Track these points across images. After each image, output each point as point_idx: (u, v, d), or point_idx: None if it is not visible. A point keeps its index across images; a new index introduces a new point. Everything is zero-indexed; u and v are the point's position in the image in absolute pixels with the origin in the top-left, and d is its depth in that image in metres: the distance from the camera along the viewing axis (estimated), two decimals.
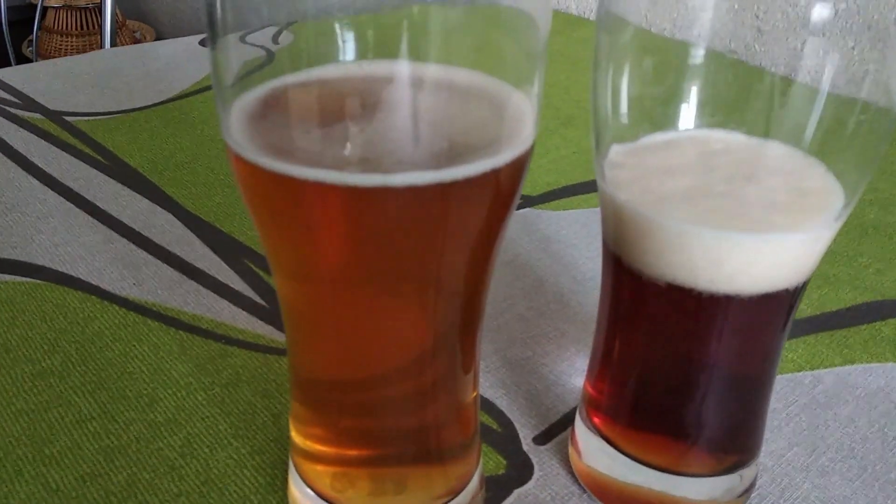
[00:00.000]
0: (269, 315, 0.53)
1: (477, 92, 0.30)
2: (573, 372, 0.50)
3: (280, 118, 0.29)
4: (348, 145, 0.28)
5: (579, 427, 0.42)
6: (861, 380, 0.50)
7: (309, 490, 0.38)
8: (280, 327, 0.52)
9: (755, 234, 0.32)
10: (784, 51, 0.33)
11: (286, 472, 0.42)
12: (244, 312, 0.54)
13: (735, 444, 0.39)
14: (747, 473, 0.40)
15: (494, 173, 0.29)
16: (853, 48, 0.31)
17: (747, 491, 0.40)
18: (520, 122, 0.30)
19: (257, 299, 0.55)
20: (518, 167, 0.30)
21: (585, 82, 0.93)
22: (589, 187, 0.71)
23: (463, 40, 0.29)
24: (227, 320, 0.53)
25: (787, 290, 0.34)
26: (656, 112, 0.37)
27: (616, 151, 0.37)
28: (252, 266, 0.58)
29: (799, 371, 0.50)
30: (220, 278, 0.57)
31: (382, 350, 0.33)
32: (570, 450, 0.43)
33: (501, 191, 0.30)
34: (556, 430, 0.45)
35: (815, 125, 0.33)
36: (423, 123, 0.29)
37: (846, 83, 0.32)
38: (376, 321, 0.32)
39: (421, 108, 0.29)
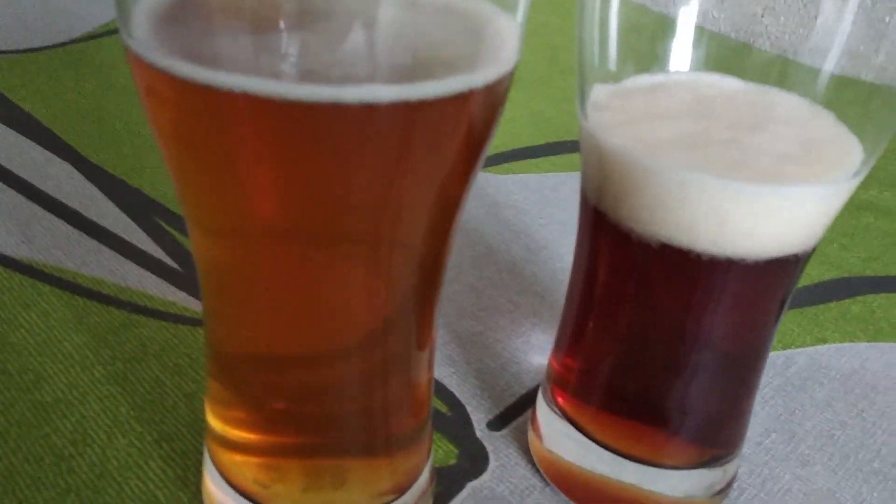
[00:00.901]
0: (183, 280, 0.46)
1: (451, 4, 0.24)
2: (528, 348, 0.44)
3: (202, 13, 0.22)
4: (290, 50, 0.22)
5: (542, 410, 0.37)
6: (834, 361, 0.46)
7: (227, 485, 0.32)
8: (196, 294, 0.45)
9: (766, 185, 0.27)
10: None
11: (200, 463, 0.36)
12: (153, 276, 0.46)
13: (720, 435, 0.34)
14: (729, 468, 0.35)
15: (468, 96, 0.23)
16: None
17: (726, 488, 0.36)
18: (501, 41, 0.25)
19: (169, 262, 0.48)
20: (496, 94, 0.24)
21: (535, 43, 0.88)
22: (539, 151, 0.66)
23: None
24: (133, 285, 0.46)
25: (795, 256, 0.30)
26: (646, 48, 0.32)
27: (600, 92, 0.31)
28: (163, 224, 0.51)
29: (771, 351, 0.46)
30: (125, 237, 0.50)
31: (323, 321, 0.27)
32: (531, 436, 0.38)
33: (475, 121, 0.24)
34: (513, 414, 0.40)
35: (828, 77, 0.28)
36: (385, 28, 0.23)
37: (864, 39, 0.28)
38: (316, 285, 0.26)
39: (383, 12, 0.23)
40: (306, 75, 0.21)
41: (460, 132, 0.24)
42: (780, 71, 0.31)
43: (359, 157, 0.22)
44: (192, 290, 0.45)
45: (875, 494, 0.38)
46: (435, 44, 0.24)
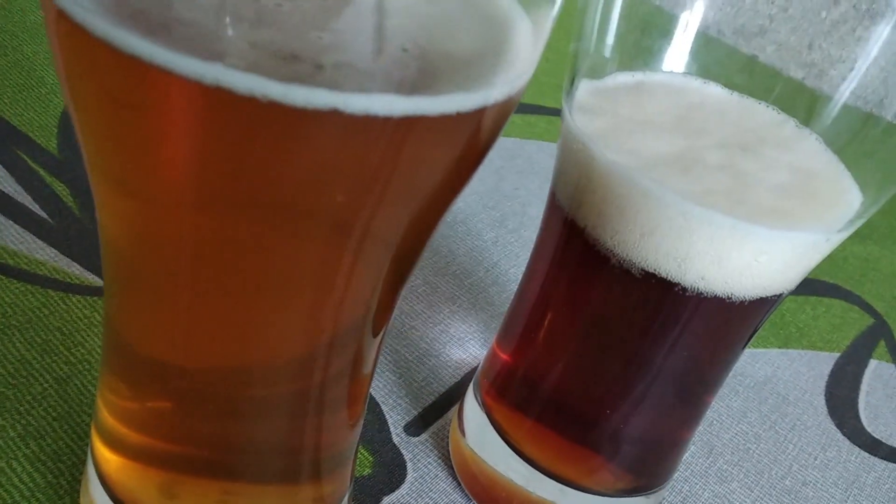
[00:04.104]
0: (54, 234, 0.39)
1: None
2: (447, 339, 0.41)
3: None
4: (258, 30, 0.17)
5: (471, 419, 0.34)
6: (749, 368, 0.45)
7: (112, 501, 0.27)
8: (70, 253, 0.39)
9: (772, 228, 0.25)
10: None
11: (76, 467, 0.30)
12: (16, 226, 0.39)
13: (656, 465, 0.32)
14: (659, 495, 0.34)
15: (482, 112, 0.19)
16: None
17: None
18: (520, 36, 0.20)
19: (37, 210, 0.41)
20: (509, 108, 0.20)
21: None
22: None
23: None
24: None
25: (779, 295, 0.28)
26: (646, 43, 0.28)
27: (585, 90, 0.28)
28: (29, 161, 0.43)
29: None
30: None
31: (257, 339, 0.23)
32: (455, 444, 0.35)
33: (482, 135, 0.20)
34: (432, 417, 0.37)
35: (837, 111, 0.26)
36: (379, 14, 0.18)
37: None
38: (252, 300, 0.21)
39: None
40: (290, 62, 0.16)
41: (461, 145, 0.20)
42: (777, 89, 0.29)
43: (348, 166, 0.17)
44: (65, 248, 0.39)
45: None
46: (449, 39, 0.19)
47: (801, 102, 0.28)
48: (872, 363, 0.49)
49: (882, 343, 0.51)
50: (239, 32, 0.17)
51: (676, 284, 0.26)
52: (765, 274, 0.26)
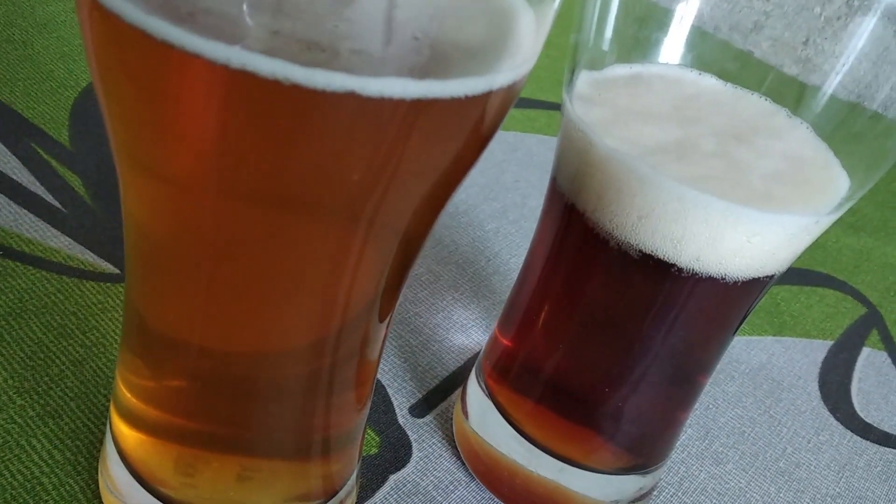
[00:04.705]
0: (67, 222, 0.41)
1: None
2: (450, 325, 0.42)
3: None
4: (280, 19, 0.18)
5: (473, 394, 0.35)
6: (744, 354, 0.47)
7: (132, 476, 0.28)
8: (83, 240, 0.40)
9: (763, 210, 0.26)
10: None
11: (93, 444, 0.31)
12: (30, 215, 0.40)
13: (654, 444, 0.34)
14: (656, 475, 0.35)
15: (488, 96, 0.20)
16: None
17: (649, 493, 0.35)
18: (526, 37, 0.21)
19: (50, 199, 0.42)
20: (513, 94, 0.21)
21: None
22: None
23: None
24: (5, 224, 0.40)
25: (771, 276, 0.29)
26: (643, 35, 0.29)
27: (584, 81, 0.29)
28: (41, 152, 0.44)
29: None
30: None
31: (276, 301, 0.24)
32: (459, 425, 0.36)
33: (487, 119, 0.21)
34: (436, 399, 0.38)
35: (825, 100, 0.27)
36: (392, 4, 0.20)
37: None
38: (269, 283, 0.23)
39: None
40: (310, 50, 0.17)
41: (467, 129, 0.21)
42: (769, 80, 0.30)
43: (363, 146, 0.19)
44: (78, 236, 0.40)
45: (781, 495, 0.39)
46: (458, 29, 0.20)
47: (791, 93, 0.30)
48: (865, 351, 0.50)
49: (875, 332, 0.52)
50: (261, 21, 0.18)
51: (673, 265, 0.27)
52: (757, 255, 0.27)
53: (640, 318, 0.29)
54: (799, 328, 0.50)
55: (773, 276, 0.29)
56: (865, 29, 0.27)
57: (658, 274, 0.27)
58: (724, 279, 0.27)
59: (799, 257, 0.56)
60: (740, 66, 0.30)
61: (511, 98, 0.21)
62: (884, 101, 0.27)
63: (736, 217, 0.25)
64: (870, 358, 0.49)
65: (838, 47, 0.27)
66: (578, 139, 0.28)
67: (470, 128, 0.20)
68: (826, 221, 0.27)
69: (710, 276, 0.27)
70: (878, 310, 0.54)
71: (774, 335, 0.49)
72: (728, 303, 0.29)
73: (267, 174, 0.19)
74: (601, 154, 0.27)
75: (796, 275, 0.55)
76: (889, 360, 0.50)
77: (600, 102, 0.29)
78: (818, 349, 0.49)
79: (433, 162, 0.21)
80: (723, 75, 0.30)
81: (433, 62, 0.19)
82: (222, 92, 0.17)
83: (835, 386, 0.46)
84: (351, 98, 0.17)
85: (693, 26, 0.29)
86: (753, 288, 0.29)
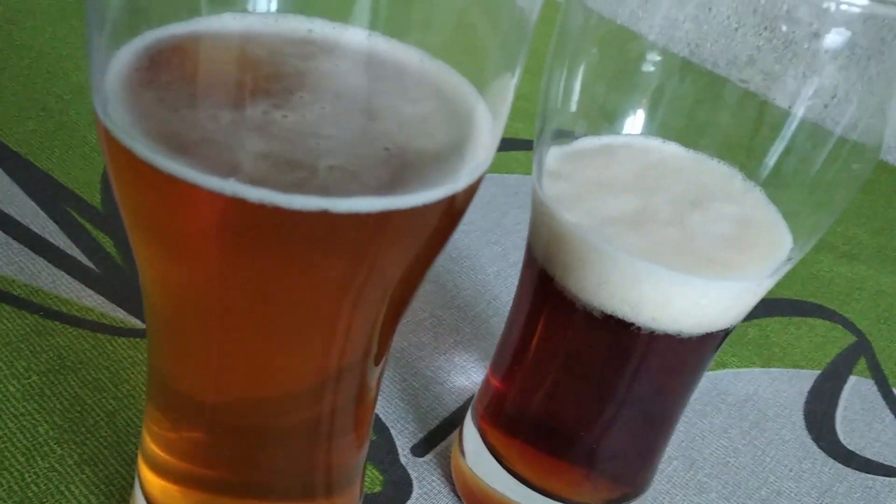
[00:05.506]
0: (100, 282, 0.45)
1: (433, 81, 0.24)
2: (451, 368, 0.46)
3: (171, 85, 0.22)
4: (268, 141, 0.21)
5: (470, 440, 0.38)
6: (731, 386, 0.49)
7: None
8: (114, 298, 0.44)
9: (709, 277, 0.29)
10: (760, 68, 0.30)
11: (125, 490, 0.35)
12: (67, 276, 0.45)
13: (634, 476, 0.37)
14: None
15: (450, 200, 0.23)
16: (840, 71, 0.28)
17: None
18: (483, 137, 0.25)
19: (84, 260, 0.46)
20: (472, 192, 0.25)
21: None
22: None
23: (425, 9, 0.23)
24: (45, 286, 0.44)
25: (726, 330, 0.32)
26: (609, 108, 0.33)
27: (553, 156, 0.32)
28: (76, 216, 0.49)
29: None
30: (34, 229, 0.47)
31: (275, 380, 0.27)
32: (456, 463, 0.39)
33: (450, 216, 0.24)
34: (436, 439, 0.41)
35: (777, 155, 0.30)
36: (368, 118, 0.23)
37: (818, 109, 0.29)
38: (270, 351, 0.26)
39: (361, 93, 0.23)
40: (287, 170, 0.21)
41: (431, 228, 0.24)
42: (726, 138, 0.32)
43: (338, 254, 0.22)
44: (110, 294, 0.44)
45: None
46: (418, 133, 0.24)
47: (740, 154, 0.32)
48: (852, 379, 0.52)
49: (862, 360, 0.54)
50: (251, 146, 0.21)
51: (632, 324, 0.30)
52: (708, 314, 0.30)
53: (607, 370, 0.32)
54: (787, 359, 0.52)
55: (727, 329, 0.32)
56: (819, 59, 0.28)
57: (619, 332, 0.31)
58: (680, 335, 0.30)
59: (790, 288, 0.59)
60: (701, 130, 0.33)
61: (470, 195, 0.25)
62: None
63: (682, 284, 0.29)
64: (856, 386, 0.52)
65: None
66: (544, 213, 0.31)
67: (433, 227, 0.24)
68: (767, 284, 0.30)
69: (666, 333, 0.30)
70: (867, 338, 0.56)
71: (762, 367, 0.51)
72: (687, 354, 0.32)
73: (259, 279, 0.22)
74: (562, 227, 0.30)
75: (787, 305, 0.57)
76: (875, 388, 0.52)
77: (566, 176, 0.32)
78: (805, 379, 0.51)
79: (404, 255, 0.24)
80: (683, 140, 0.33)
81: (399, 173, 0.22)
82: (218, 214, 0.21)
83: (819, 415, 0.49)
84: (324, 216, 0.21)
85: (654, 90, 0.32)
86: (709, 341, 0.32)
